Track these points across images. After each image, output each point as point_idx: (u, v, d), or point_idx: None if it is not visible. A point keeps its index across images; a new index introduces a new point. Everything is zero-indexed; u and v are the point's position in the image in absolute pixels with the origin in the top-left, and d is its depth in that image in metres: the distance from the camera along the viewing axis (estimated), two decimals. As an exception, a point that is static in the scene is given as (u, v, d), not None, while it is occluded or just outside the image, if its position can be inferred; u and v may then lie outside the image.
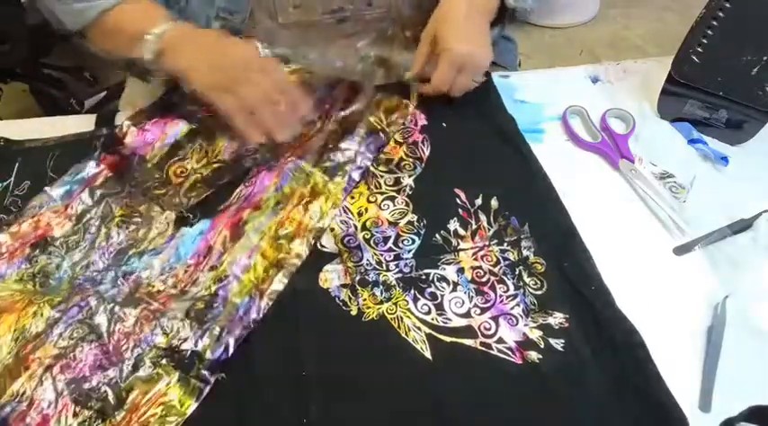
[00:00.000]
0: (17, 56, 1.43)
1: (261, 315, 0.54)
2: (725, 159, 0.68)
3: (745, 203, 0.62)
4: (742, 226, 0.61)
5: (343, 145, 0.67)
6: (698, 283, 0.57)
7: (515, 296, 0.55)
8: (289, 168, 0.65)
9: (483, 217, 0.62)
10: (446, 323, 0.54)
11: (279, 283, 0.56)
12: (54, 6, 0.68)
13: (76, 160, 0.69)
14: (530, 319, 0.54)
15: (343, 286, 0.57)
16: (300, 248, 0.59)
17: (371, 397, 0.50)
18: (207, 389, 0.50)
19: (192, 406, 0.49)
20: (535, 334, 0.53)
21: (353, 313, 0.55)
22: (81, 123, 0.75)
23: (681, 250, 0.60)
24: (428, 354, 0.52)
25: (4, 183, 0.68)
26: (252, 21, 0.75)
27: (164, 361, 0.51)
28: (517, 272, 0.57)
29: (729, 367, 0.51)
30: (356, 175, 0.65)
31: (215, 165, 0.67)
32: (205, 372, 0.50)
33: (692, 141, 0.71)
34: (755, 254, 0.58)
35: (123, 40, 0.68)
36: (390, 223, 0.62)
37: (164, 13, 0.67)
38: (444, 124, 0.71)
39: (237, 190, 0.65)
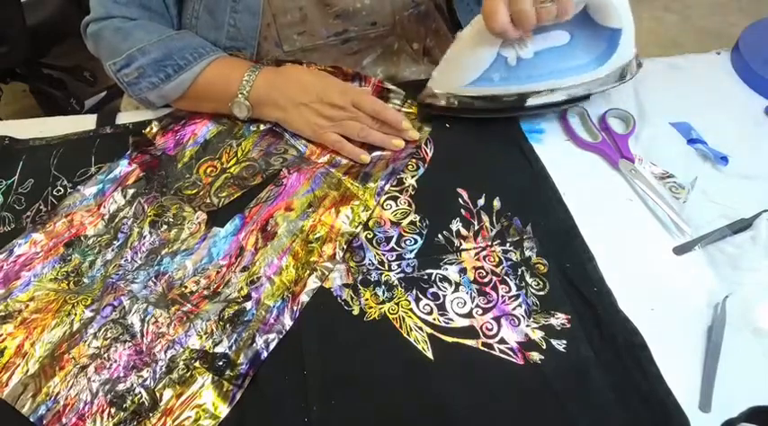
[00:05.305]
0: (17, 56, 1.43)
1: (293, 321, 0.54)
2: (725, 159, 0.68)
3: (745, 203, 0.63)
4: (742, 226, 0.61)
5: (374, 153, 0.68)
6: (698, 283, 0.57)
7: (517, 296, 0.56)
8: (321, 172, 0.66)
9: (485, 218, 0.62)
10: (448, 323, 0.54)
11: (312, 286, 0.56)
12: (149, 96, 0.72)
13: (80, 158, 0.69)
14: (532, 320, 0.54)
15: (345, 285, 0.57)
16: (332, 252, 0.59)
17: (373, 397, 0.50)
18: (240, 393, 0.50)
19: (225, 410, 0.49)
20: (537, 335, 0.53)
21: (355, 312, 0.55)
22: (81, 123, 0.75)
23: (681, 250, 0.60)
24: (430, 354, 0.52)
25: (8, 181, 0.68)
26: (258, 53, 0.76)
27: (197, 363, 0.52)
28: (519, 273, 0.57)
29: (729, 367, 0.51)
30: (387, 181, 0.65)
31: (245, 164, 0.68)
32: (238, 376, 0.51)
33: (691, 141, 0.71)
34: (755, 254, 0.58)
35: (211, 107, 0.73)
36: (393, 223, 0.62)
37: (242, 69, 0.69)
38: (447, 124, 0.72)
39: (268, 188, 0.65)
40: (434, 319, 0.54)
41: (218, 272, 0.58)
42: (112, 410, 0.49)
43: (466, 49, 0.66)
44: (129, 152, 0.69)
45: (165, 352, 0.52)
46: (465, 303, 0.55)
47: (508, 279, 0.57)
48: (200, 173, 0.68)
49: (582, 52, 0.68)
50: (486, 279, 0.57)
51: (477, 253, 0.59)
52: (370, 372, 0.51)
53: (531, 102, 0.68)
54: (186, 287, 0.57)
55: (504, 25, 0.58)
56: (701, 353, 0.52)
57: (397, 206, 0.63)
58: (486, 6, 0.58)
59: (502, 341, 0.53)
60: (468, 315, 0.54)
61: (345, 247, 0.59)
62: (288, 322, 0.54)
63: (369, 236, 0.61)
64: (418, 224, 0.62)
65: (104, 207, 0.64)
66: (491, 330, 0.53)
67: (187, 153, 0.70)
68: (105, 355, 0.52)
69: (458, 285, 0.57)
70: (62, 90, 1.63)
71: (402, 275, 0.57)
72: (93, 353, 0.52)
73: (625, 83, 0.70)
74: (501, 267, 0.58)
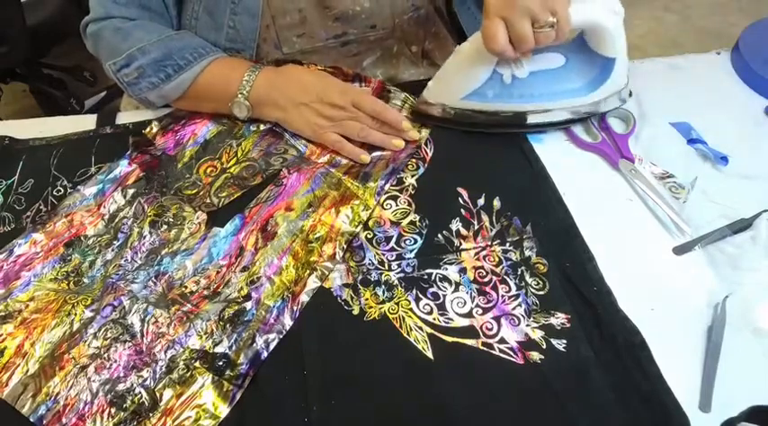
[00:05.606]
0: (17, 56, 1.43)
1: (293, 321, 0.54)
2: (725, 159, 0.68)
3: (745, 203, 0.63)
4: (742, 226, 0.61)
5: (374, 153, 0.68)
6: (698, 283, 0.57)
7: (517, 296, 0.56)
8: (321, 172, 0.66)
9: (485, 218, 0.62)
10: (448, 323, 0.54)
11: (312, 286, 0.56)
12: (149, 96, 0.72)
13: (80, 158, 0.70)
14: (532, 319, 0.54)
15: (345, 285, 0.57)
16: (332, 251, 0.59)
17: (373, 397, 0.50)
18: (240, 393, 0.50)
19: (225, 410, 0.49)
20: (537, 335, 0.53)
21: (355, 312, 0.55)
22: (81, 123, 0.75)
23: (681, 250, 0.60)
24: (430, 354, 0.52)
25: (8, 181, 0.68)
26: (258, 55, 0.77)
27: (197, 363, 0.52)
28: (519, 273, 0.57)
29: (729, 367, 0.51)
30: (387, 180, 0.65)
31: (245, 164, 0.68)
32: (238, 376, 0.51)
33: (691, 141, 0.71)
34: (755, 254, 0.58)
35: (211, 107, 0.73)
36: (393, 222, 0.62)
37: (242, 69, 0.70)
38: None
39: (268, 188, 0.65)
40: (434, 319, 0.54)
41: (218, 272, 0.58)
42: (112, 410, 0.49)
43: (463, 64, 0.66)
44: (129, 152, 0.69)
45: (165, 352, 0.52)
46: (465, 303, 0.55)
47: (508, 279, 0.57)
48: (200, 173, 0.68)
49: (576, 76, 0.68)
50: (486, 279, 0.57)
51: (476, 253, 0.59)
52: (370, 372, 0.51)
53: (530, 120, 0.69)
54: (186, 287, 0.57)
55: (504, 46, 0.58)
56: (701, 353, 0.52)
57: (397, 205, 0.63)
58: (485, 28, 0.59)
59: (502, 340, 0.53)
60: (468, 315, 0.54)
61: (345, 247, 0.59)
62: (288, 322, 0.54)
63: (369, 236, 0.61)
64: (418, 223, 0.62)
65: (104, 207, 0.64)
66: (491, 330, 0.53)
67: (187, 153, 0.70)
68: (105, 355, 0.52)
69: (458, 285, 0.57)
70: (62, 90, 1.63)
71: (402, 275, 0.57)
72: (93, 353, 0.52)
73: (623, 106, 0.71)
74: (501, 267, 0.58)
